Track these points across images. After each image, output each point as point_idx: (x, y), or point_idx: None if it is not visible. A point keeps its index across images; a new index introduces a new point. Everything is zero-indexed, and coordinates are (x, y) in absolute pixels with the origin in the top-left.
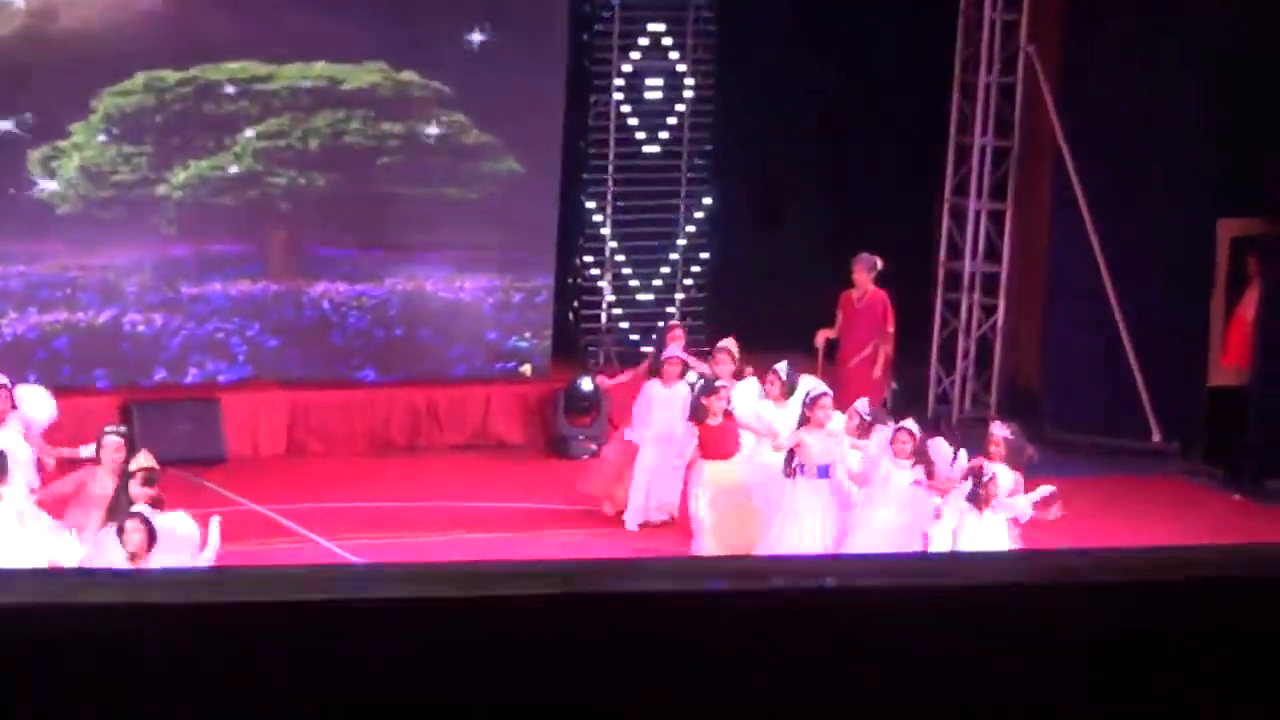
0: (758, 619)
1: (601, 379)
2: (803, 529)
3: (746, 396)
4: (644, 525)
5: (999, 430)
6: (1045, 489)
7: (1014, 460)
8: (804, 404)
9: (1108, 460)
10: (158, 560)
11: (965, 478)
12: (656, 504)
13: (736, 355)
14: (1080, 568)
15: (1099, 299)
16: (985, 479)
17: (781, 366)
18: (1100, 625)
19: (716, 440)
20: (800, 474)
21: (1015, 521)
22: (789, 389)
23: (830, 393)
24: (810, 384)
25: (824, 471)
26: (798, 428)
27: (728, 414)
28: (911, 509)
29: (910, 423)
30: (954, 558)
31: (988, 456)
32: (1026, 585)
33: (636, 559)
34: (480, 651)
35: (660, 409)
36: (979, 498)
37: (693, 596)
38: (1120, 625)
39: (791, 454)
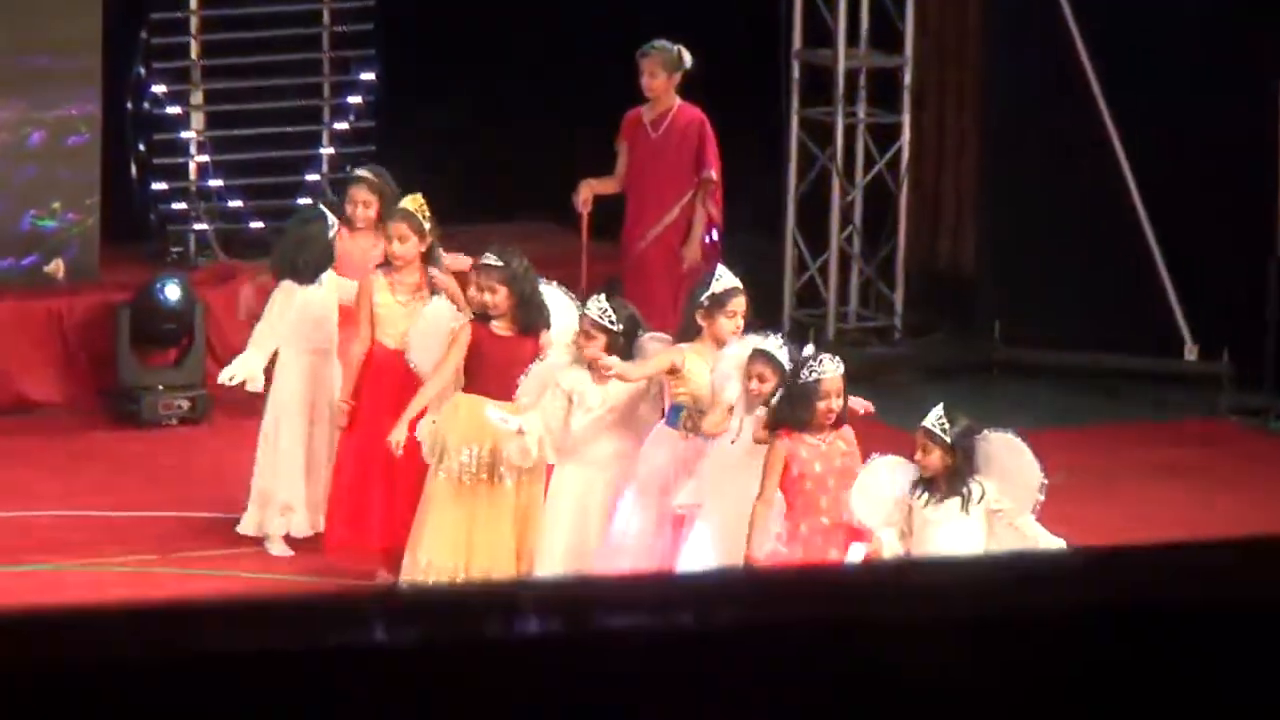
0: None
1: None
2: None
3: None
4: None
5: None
6: None
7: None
8: (702, 304)
9: (1105, 395)
10: None
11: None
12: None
13: (427, 221)
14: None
15: (1082, 113)
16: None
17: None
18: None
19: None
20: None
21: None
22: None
23: (740, 286)
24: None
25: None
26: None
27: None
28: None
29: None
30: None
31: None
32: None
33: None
34: None
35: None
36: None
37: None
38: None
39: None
